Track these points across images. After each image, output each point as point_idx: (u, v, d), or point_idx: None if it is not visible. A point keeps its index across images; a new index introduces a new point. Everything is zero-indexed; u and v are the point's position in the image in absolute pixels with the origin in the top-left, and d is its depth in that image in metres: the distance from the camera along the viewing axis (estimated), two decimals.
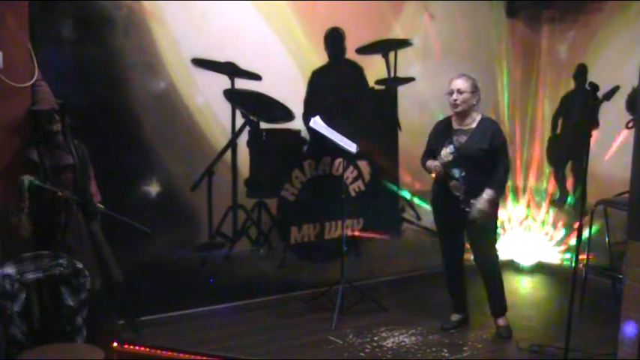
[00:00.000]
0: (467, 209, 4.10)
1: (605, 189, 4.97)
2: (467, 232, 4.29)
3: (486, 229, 4.22)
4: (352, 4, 4.94)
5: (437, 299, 4.97)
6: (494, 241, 4.35)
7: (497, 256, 4.37)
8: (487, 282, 4.36)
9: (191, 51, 4.38)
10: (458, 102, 4.08)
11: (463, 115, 4.15)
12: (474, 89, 4.11)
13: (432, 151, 4.27)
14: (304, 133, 4.92)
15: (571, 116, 5.75)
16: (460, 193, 4.14)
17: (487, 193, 4.04)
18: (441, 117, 4.59)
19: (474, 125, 4.15)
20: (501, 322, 4.36)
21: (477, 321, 4.57)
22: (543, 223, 6.04)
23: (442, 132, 4.25)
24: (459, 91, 4.08)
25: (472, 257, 4.41)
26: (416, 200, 5.52)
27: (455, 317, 4.48)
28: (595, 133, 5.34)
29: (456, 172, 4.13)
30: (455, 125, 4.20)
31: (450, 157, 4.10)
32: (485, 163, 4.10)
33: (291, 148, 4.94)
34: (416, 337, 4.32)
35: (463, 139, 4.13)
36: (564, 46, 5.79)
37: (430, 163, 4.21)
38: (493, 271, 4.33)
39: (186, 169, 4.48)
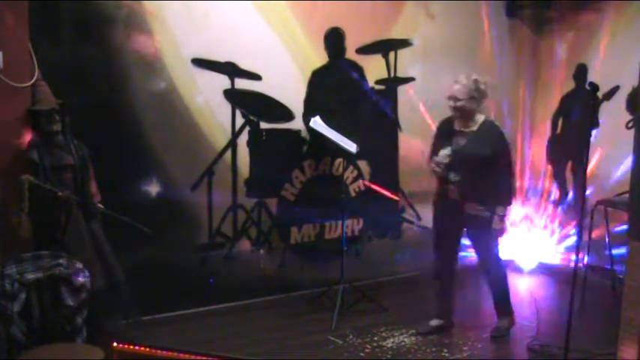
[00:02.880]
0: (463, 212, 4.05)
1: (605, 189, 4.97)
2: (469, 237, 4.27)
3: (489, 236, 4.14)
4: (352, 4, 4.94)
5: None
6: (496, 245, 4.26)
7: (499, 260, 4.32)
8: (490, 284, 4.35)
9: (191, 51, 4.38)
10: (455, 109, 4.00)
11: (464, 118, 4.04)
12: (474, 94, 3.95)
13: (436, 152, 4.17)
14: (304, 133, 4.92)
15: (571, 116, 5.75)
16: (455, 197, 4.06)
17: (500, 211, 4.00)
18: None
19: (475, 128, 4.03)
20: (499, 322, 4.35)
21: (476, 321, 4.58)
22: (543, 223, 6.04)
23: (444, 133, 4.16)
24: (456, 99, 3.96)
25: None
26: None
27: (435, 322, 4.37)
28: (595, 133, 5.35)
29: (452, 176, 4.06)
30: (456, 126, 4.09)
31: (447, 160, 4.02)
32: (484, 168, 3.97)
33: (291, 148, 4.94)
34: (416, 337, 4.31)
35: (462, 142, 4.03)
36: (564, 46, 5.79)
37: (432, 165, 4.13)
38: (495, 274, 4.29)
39: (186, 169, 4.49)
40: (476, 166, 3.98)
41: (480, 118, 4.06)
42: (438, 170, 4.06)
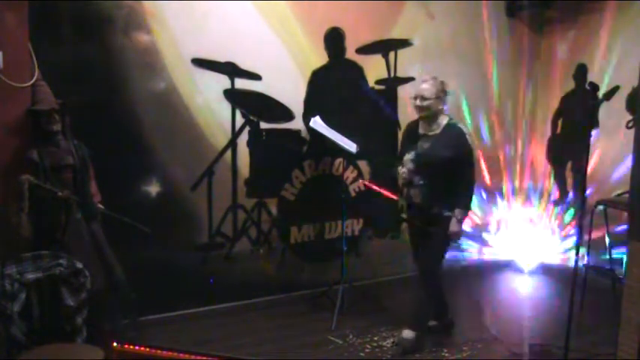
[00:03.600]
0: (425, 216, 3.97)
1: (605, 189, 4.97)
2: (423, 238, 4.07)
3: (439, 241, 4.02)
4: (352, 4, 4.94)
5: None
6: (443, 254, 4.10)
7: (440, 269, 4.13)
8: (420, 289, 4.13)
9: (191, 51, 4.38)
10: (421, 108, 3.92)
11: (429, 121, 3.97)
12: (441, 94, 3.92)
13: (403, 156, 4.11)
14: (304, 133, 4.92)
15: (571, 116, 5.75)
16: (419, 201, 4.00)
17: (458, 214, 3.90)
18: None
19: (438, 131, 3.96)
20: (408, 334, 4.08)
21: (476, 321, 4.57)
22: (543, 223, 6.04)
23: (409, 136, 4.11)
24: (423, 97, 3.90)
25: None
26: None
27: (431, 323, 4.29)
28: (595, 133, 5.35)
29: (416, 180, 3.99)
30: (421, 130, 4.03)
31: (411, 165, 3.97)
32: (447, 172, 3.88)
33: (291, 148, 4.94)
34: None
35: (426, 145, 3.97)
36: (564, 46, 5.79)
37: (400, 169, 4.06)
38: (431, 282, 4.11)
39: (186, 169, 4.49)
40: (439, 170, 3.90)
41: (444, 120, 3.98)
42: (406, 177, 4.01)
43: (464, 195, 3.97)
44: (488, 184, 5.92)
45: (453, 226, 3.93)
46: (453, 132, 3.95)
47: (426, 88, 3.92)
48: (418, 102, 3.94)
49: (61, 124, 3.66)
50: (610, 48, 5.33)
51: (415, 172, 3.98)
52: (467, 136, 3.96)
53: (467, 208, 3.99)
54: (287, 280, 5.00)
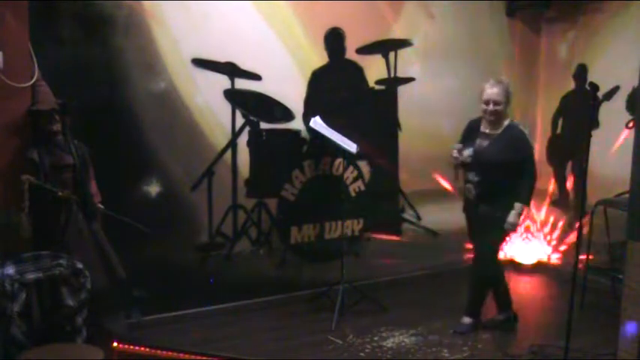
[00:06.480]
0: (477, 212, 4.19)
1: (605, 189, 4.97)
2: (475, 233, 4.36)
3: (497, 235, 4.24)
4: (352, 4, 4.94)
5: (437, 299, 4.98)
6: (497, 247, 4.35)
7: (495, 261, 4.38)
8: (488, 283, 4.42)
9: (191, 51, 4.38)
10: (493, 113, 4.07)
11: (496, 121, 4.13)
12: (509, 96, 4.10)
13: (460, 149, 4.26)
14: (304, 133, 4.92)
15: (571, 116, 5.75)
16: (472, 197, 4.20)
17: (518, 207, 4.08)
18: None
19: (499, 131, 4.13)
20: (466, 320, 4.44)
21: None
22: (543, 223, 6.04)
23: (470, 132, 4.26)
24: (495, 103, 4.04)
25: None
26: None
27: (467, 320, 4.45)
28: (595, 133, 5.33)
29: (471, 176, 4.16)
30: (482, 128, 4.19)
31: (468, 160, 4.12)
32: (504, 171, 4.06)
33: (291, 148, 4.94)
34: (416, 337, 4.32)
35: (485, 143, 4.13)
36: (564, 46, 5.79)
37: (457, 152, 4.19)
38: (494, 274, 4.38)
39: (186, 169, 4.49)
40: (495, 169, 4.06)
41: (506, 121, 4.15)
42: (453, 162, 4.18)
43: (525, 191, 4.11)
44: None
45: (510, 217, 4.08)
46: (515, 133, 4.12)
47: (497, 92, 4.05)
48: (491, 107, 4.06)
49: (61, 124, 3.66)
50: (610, 48, 5.33)
51: (471, 168, 4.13)
52: (527, 136, 4.17)
53: (527, 202, 4.14)
54: (287, 280, 5.00)
